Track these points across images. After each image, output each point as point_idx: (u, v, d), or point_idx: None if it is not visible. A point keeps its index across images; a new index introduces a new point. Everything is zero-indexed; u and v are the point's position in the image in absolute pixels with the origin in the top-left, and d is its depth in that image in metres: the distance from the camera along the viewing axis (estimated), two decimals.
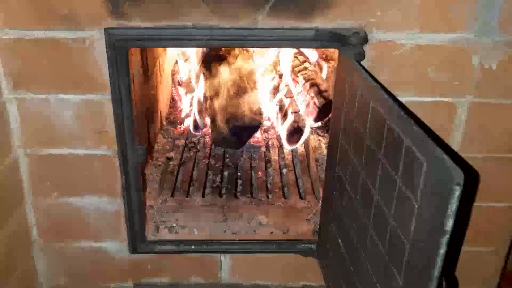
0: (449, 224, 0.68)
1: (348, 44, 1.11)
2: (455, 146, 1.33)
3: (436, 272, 0.72)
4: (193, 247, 1.45)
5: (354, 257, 1.08)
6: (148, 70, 1.74)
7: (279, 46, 1.43)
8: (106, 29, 1.14)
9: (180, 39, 1.15)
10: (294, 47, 1.38)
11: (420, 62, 1.21)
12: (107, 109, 1.25)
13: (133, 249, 1.43)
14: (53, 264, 1.49)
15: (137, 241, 1.43)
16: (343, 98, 1.08)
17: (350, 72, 1.04)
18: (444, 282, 0.77)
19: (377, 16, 1.16)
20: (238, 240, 1.47)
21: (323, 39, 1.14)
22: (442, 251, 0.70)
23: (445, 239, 0.69)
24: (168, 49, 2.17)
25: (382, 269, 0.92)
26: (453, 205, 0.66)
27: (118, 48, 1.16)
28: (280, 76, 2.29)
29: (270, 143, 2.16)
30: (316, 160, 2.01)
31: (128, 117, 1.24)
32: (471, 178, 0.67)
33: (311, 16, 1.14)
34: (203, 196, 1.74)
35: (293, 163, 2.01)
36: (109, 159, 1.32)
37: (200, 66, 2.16)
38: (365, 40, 1.13)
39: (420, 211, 0.77)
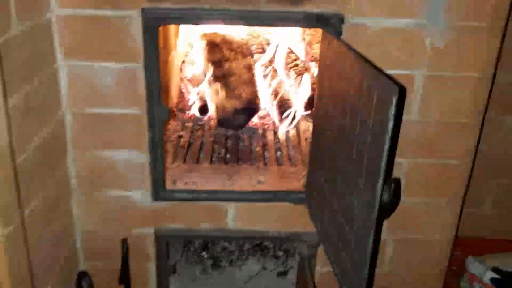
0: (390, 126, 1.01)
1: (329, 23, 1.46)
2: (414, 112, 1.67)
3: (383, 164, 1.05)
4: (205, 195, 1.77)
5: (332, 184, 1.41)
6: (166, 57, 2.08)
7: (276, 26, 1.76)
8: (142, 9, 1.48)
9: (200, 18, 1.49)
10: (288, 26, 1.71)
11: (385, 41, 1.56)
12: (139, 76, 1.58)
13: (155, 196, 1.74)
14: (86, 211, 1.79)
15: (158, 190, 1.74)
16: (325, 62, 1.43)
17: (330, 41, 1.38)
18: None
19: (351, 4, 1.51)
20: (242, 191, 1.78)
21: (310, 20, 1.48)
22: (386, 146, 1.03)
23: (387, 138, 1.02)
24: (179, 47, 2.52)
25: (351, 181, 1.25)
26: (392, 110, 0.99)
27: (151, 25, 1.50)
28: (275, 70, 2.64)
29: (266, 127, 2.50)
30: (306, 139, 2.34)
31: (156, 82, 1.58)
32: (402, 91, 0.98)
33: (302, 3, 1.49)
34: (210, 162, 2.06)
35: (286, 142, 2.34)
36: (139, 118, 1.64)
37: (206, 61, 2.51)
38: (342, 20, 1.48)
39: (373, 128, 1.10)
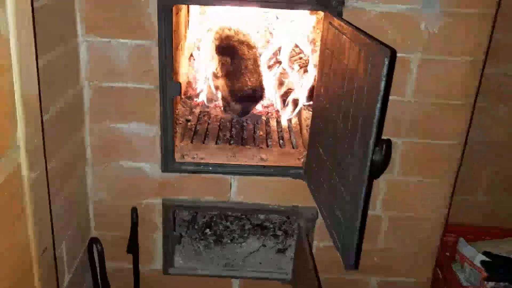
0: (382, 85, 1.12)
1: (331, 6, 1.58)
2: (408, 94, 1.78)
3: (375, 121, 1.16)
4: (210, 168, 1.88)
5: (330, 151, 1.52)
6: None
7: (281, 8, 1.88)
8: None
9: None
10: (292, 9, 1.83)
11: (382, 25, 1.68)
12: (153, 52, 1.70)
13: (165, 168, 1.86)
14: (99, 181, 1.91)
15: (168, 161, 1.85)
16: (326, 41, 1.55)
17: (331, 20, 1.50)
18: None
19: None
20: (245, 164, 1.90)
21: (312, 3, 1.61)
22: (378, 105, 1.15)
23: (379, 97, 1.14)
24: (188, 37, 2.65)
25: (347, 146, 1.36)
26: (384, 71, 1.11)
27: (165, 5, 1.62)
28: (279, 62, 2.77)
29: (269, 115, 2.61)
30: (307, 126, 2.45)
31: (169, 58, 1.70)
32: (393, 53, 1.09)
33: None
34: (216, 143, 2.17)
35: (288, 128, 2.45)
36: (152, 92, 1.76)
37: (214, 52, 2.64)
38: (342, 2, 1.60)
39: (367, 92, 1.21)
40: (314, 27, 2.70)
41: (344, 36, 1.38)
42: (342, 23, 1.40)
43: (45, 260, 1.29)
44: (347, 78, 1.36)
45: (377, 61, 1.13)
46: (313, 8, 1.68)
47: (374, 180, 1.85)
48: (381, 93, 1.13)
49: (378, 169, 1.24)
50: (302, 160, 1.97)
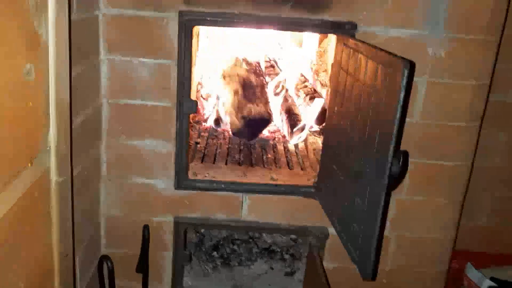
0: (402, 95, 1.18)
1: (344, 29, 1.66)
2: (416, 116, 1.84)
3: (395, 131, 1.21)
4: (223, 185, 1.91)
5: (344, 166, 1.56)
6: None
7: (296, 30, 1.96)
8: (179, 11, 1.68)
9: (230, 22, 1.69)
10: (306, 31, 1.91)
11: (390, 48, 1.73)
12: (172, 72, 1.77)
13: (178, 184, 1.88)
14: (112, 197, 1.93)
15: (181, 178, 1.88)
16: (340, 62, 1.62)
17: (346, 41, 1.58)
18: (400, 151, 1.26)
19: (363, 14, 1.72)
20: (257, 183, 1.93)
21: (326, 27, 1.69)
22: (398, 115, 1.20)
23: (399, 107, 1.19)
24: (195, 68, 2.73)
25: (365, 158, 1.40)
26: (404, 81, 1.17)
27: (186, 26, 1.69)
28: (286, 90, 2.85)
29: (277, 140, 2.67)
30: (314, 150, 2.50)
31: (187, 78, 1.76)
32: (412, 65, 1.16)
33: (318, 12, 1.70)
34: (226, 164, 2.21)
35: (296, 152, 2.50)
36: (169, 110, 1.81)
37: (222, 78, 2.72)
38: (355, 27, 1.68)
39: (385, 104, 1.27)
40: (318, 55, 2.81)
41: (360, 54, 1.45)
42: (358, 42, 1.47)
43: (66, 266, 1.30)
44: (363, 94, 1.42)
45: (397, 73, 1.20)
46: (329, 32, 1.76)
47: None
48: (401, 103, 1.18)
49: (396, 179, 1.28)
50: (313, 180, 2.01)
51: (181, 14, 1.69)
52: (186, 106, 1.79)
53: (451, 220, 1.99)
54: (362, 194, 1.40)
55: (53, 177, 1.20)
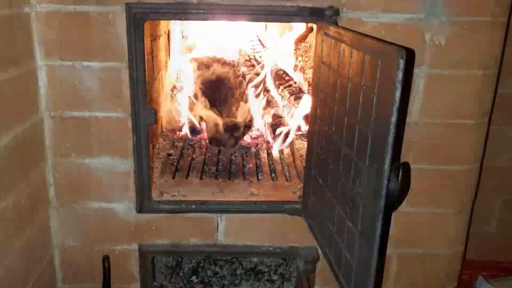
0: (398, 94, 0.91)
1: (324, 16, 1.39)
2: (414, 113, 1.57)
3: (390, 139, 0.94)
4: (193, 206, 1.63)
5: (332, 182, 1.29)
6: (153, 69, 1.99)
7: (268, 21, 1.69)
8: (127, 4, 1.41)
9: (187, 13, 1.42)
10: (280, 21, 1.64)
11: (382, 37, 1.48)
12: (124, 76, 1.49)
13: (140, 208, 1.61)
14: (65, 224, 1.65)
15: (143, 200, 1.61)
16: (321, 55, 1.34)
17: (326, 29, 1.31)
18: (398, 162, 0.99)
19: None
20: (234, 201, 1.66)
21: (304, 14, 1.41)
22: (394, 119, 0.93)
23: (395, 109, 0.92)
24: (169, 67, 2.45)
25: (355, 172, 1.13)
26: (400, 75, 0.90)
27: (136, 20, 1.42)
28: (267, 91, 2.57)
29: (259, 146, 2.39)
30: (301, 156, 2.23)
31: (142, 82, 1.48)
32: (410, 54, 0.89)
33: None
34: (200, 178, 1.94)
35: (280, 160, 2.23)
36: (123, 121, 1.53)
37: (197, 82, 2.45)
38: (337, 12, 1.41)
39: (377, 104, 1.00)
40: (296, 46, 2.54)
41: (343, 44, 1.18)
42: (340, 30, 1.20)
43: None
44: (349, 92, 1.15)
45: (389, 66, 0.93)
46: (306, 20, 1.49)
47: None
48: (397, 104, 0.91)
49: (395, 198, 1.01)
50: (298, 193, 1.74)
51: (129, 7, 1.41)
52: (143, 116, 1.52)
53: (459, 232, 1.73)
54: (354, 218, 1.13)
55: None
